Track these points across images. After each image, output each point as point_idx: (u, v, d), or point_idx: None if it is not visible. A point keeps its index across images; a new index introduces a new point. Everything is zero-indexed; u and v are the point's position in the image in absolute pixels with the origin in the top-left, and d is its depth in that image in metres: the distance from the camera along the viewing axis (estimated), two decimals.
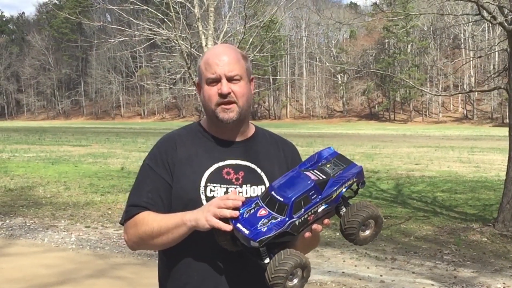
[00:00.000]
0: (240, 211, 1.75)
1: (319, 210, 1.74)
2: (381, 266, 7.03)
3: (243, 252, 1.81)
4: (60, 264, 6.98)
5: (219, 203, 1.76)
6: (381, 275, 6.63)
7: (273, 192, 1.73)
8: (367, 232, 1.80)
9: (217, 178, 1.95)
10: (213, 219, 1.75)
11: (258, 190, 1.98)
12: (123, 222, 2.00)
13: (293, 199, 1.68)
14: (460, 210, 10.85)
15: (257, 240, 1.66)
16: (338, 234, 8.58)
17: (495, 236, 8.57)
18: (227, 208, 1.75)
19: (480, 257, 7.54)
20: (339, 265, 7.07)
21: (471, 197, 12.41)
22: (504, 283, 6.37)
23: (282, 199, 1.69)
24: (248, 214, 1.74)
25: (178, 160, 1.97)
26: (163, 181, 1.96)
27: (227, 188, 1.95)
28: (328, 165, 1.81)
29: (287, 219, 1.68)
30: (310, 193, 1.70)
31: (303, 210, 1.70)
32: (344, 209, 1.80)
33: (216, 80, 1.94)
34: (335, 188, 1.74)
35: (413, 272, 6.78)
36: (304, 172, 1.78)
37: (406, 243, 8.31)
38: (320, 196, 1.72)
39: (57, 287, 6.02)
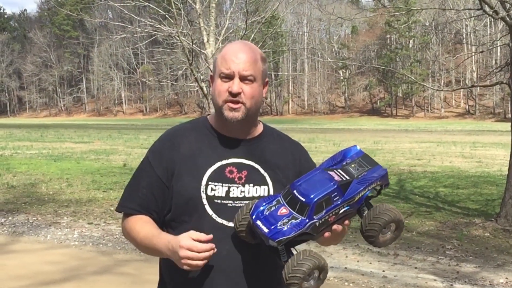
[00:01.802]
0: (261, 208, 1.74)
1: (341, 211, 1.72)
2: (384, 262, 7.04)
3: (259, 245, 1.80)
4: (63, 260, 6.99)
5: (184, 254, 1.76)
6: (383, 271, 6.63)
7: (295, 191, 1.71)
8: (387, 235, 1.78)
9: (219, 176, 1.94)
10: (186, 267, 1.77)
11: (261, 190, 1.96)
12: (117, 211, 2.06)
13: (314, 200, 1.66)
14: (462, 205, 10.84)
15: (276, 240, 1.65)
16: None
17: (498, 231, 8.57)
18: (192, 259, 1.75)
19: (483, 252, 7.54)
20: (341, 261, 7.07)
21: (474, 192, 12.41)
22: (506, 278, 6.37)
23: (304, 199, 1.68)
24: (268, 211, 1.73)
25: (180, 157, 1.96)
26: (158, 179, 1.96)
27: (229, 187, 1.93)
28: (352, 165, 1.78)
29: (307, 220, 1.67)
30: (333, 195, 1.68)
31: (324, 211, 1.68)
32: (366, 210, 1.77)
33: (229, 77, 1.91)
34: (358, 190, 1.72)
35: (416, 268, 6.79)
36: (328, 172, 1.75)
37: (409, 238, 8.31)
38: (342, 198, 1.70)
39: (60, 284, 6.03)
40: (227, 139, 2.00)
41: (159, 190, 1.96)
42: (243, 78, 1.91)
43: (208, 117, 2.11)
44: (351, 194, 1.71)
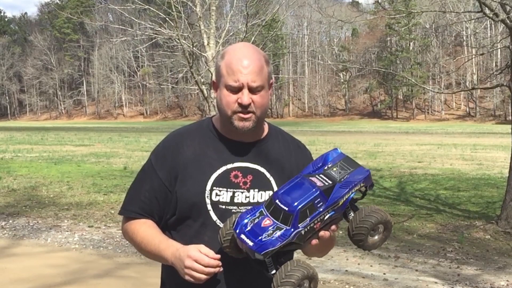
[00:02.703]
0: (245, 221, 1.71)
1: (326, 217, 1.67)
2: (384, 264, 7.03)
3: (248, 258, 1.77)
4: (64, 264, 6.99)
5: (190, 264, 1.76)
6: (384, 273, 6.63)
7: (277, 201, 1.67)
8: (376, 237, 1.73)
9: (224, 181, 1.91)
10: (189, 277, 1.78)
11: (266, 195, 1.93)
12: (120, 214, 2.05)
13: (298, 208, 1.62)
14: (463, 208, 10.83)
15: (262, 253, 1.62)
16: (341, 232, 8.57)
17: (498, 234, 8.56)
18: (196, 271, 1.75)
19: (484, 255, 7.54)
20: (342, 263, 7.07)
21: (474, 195, 12.39)
22: (507, 281, 6.37)
23: (286, 209, 1.64)
24: (252, 224, 1.69)
25: (184, 161, 1.94)
26: (161, 183, 1.94)
27: (234, 193, 1.91)
28: (334, 169, 1.73)
29: (292, 229, 1.63)
30: (316, 201, 1.64)
31: (308, 219, 1.64)
32: (352, 214, 1.72)
33: (238, 89, 1.85)
34: (341, 194, 1.67)
35: (417, 270, 6.78)
36: (310, 178, 1.71)
37: (409, 241, 8.31)
38: (326, 204, 1.65)
39: (61, 287, 6.03)
40: (232, 143, 1.97)
41: (162, 194, 1.94)
42: (252, 90, 1.85)
43: (212, 119, 2.06)
44: (335, 198, 1.66)
